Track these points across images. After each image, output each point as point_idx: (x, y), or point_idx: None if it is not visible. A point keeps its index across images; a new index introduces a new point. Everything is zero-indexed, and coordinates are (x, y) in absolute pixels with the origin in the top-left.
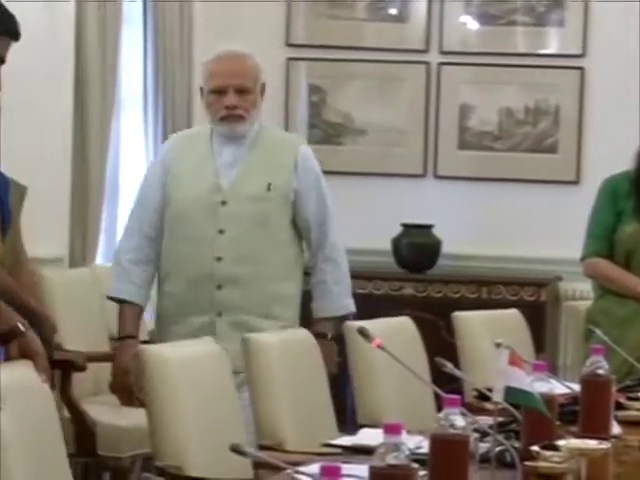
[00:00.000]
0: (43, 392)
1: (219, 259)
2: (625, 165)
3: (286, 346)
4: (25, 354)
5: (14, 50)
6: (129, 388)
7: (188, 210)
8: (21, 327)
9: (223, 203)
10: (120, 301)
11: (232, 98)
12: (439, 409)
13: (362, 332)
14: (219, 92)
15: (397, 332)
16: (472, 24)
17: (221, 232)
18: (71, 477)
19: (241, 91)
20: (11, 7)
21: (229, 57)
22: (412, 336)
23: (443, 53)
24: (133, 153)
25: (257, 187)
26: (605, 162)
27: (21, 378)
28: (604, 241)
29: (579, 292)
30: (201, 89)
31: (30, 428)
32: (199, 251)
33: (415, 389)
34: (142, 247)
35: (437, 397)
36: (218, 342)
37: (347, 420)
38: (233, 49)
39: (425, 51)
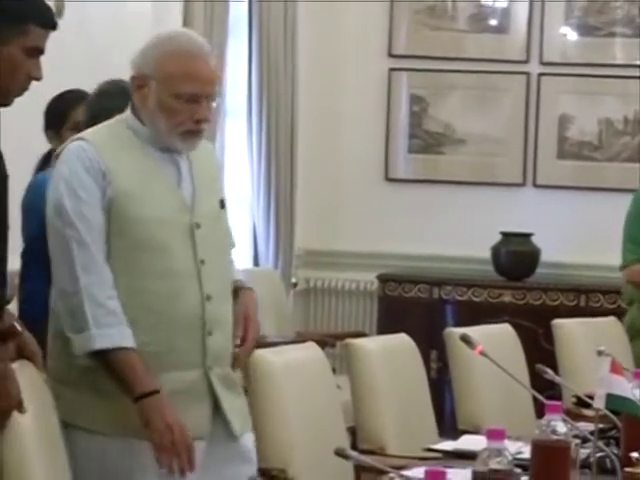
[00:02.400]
0: (45, 391)
1: (208, 298)
2: None
3: (387, 351)
4: (23, 354)
5: (121, 63)
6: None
7: (156, 235)
8: (18, 327)
9: (197, 226)
10: (118, 349)
11: (206, 111)
12: (538, 415)
13: (465, 339)
14: (191, 99)
15: (498, 339)
16: (572, 35)
17: (202, 263)
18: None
19: (209, 100)
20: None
21: (202, 54)
22: (512, 343)
23: (543, 64)
24: (236, 162)
25: (214, 205)
26: None
27: (26, 378)
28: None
29: None
30: (142, 77)
31: (40, 428)
32: (183, 289)
33: (514, 395)
34: (110, 279)
35: (536, 403)
36: (220, 405)
37: (446, 425)
38: (196, 40)
39: (525, 62)
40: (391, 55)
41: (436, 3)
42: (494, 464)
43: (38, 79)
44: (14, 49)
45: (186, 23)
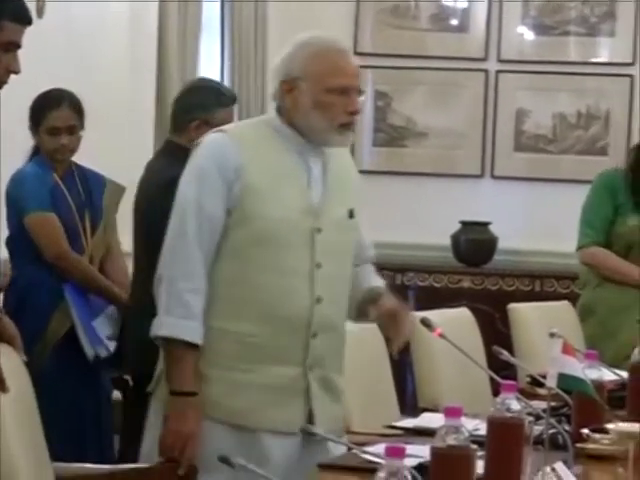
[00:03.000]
0: (24, 374)
1: (319, 300)
2: None
3: (353, 336)
4: (2, 338)
5: (102, 60)
6: (191, 458)
7: (277, 234)
8: None
9: (318, 230)
10: (178, 341)
11: (356, 102)
12: (495, 394)
13: (424, 322)
14: (342, 92)
15: (456, 322)
16: (528, 34)
17: (318, 266)
18: (46, 450)
19: (357, 93)
20: (97, 24)
21: (346, 50)
22: (470, 326)
23: (501, 61)
24: None
25: (342, 213)
26: None
27: (5, 361)
28: (602, 232)
29: None
30: (291, 81)
31: (20, 408)
32: (296, 289)
33: (472, 375)
34: (201, 274)
35: (493, 383)
36: (311, 405)
37: (407, 404)
38: (334, 38)
39: (484, 59)
40: (357, 53)
41: (399, 3)
42: (451, 440)
43: (16, 72)
44: None
45: (161, 22)
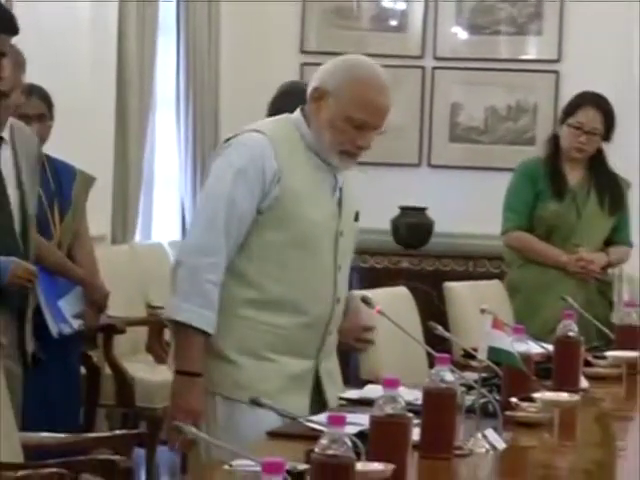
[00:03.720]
0: None
1: (338, 301)
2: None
3: None
4: None
5: (65, 58)
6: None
7: (312, 236)
8: None
9: (341, 234)
10: (190, 327)
11: (369, 139)
12: (431, 366)
13: (365, 300)
14: (359, 126)
15: (395, 300)
16: (462, 34)
17: (339, 268)
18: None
19: (376, 131)
20: (57, 26)
21: (384, 88)
22: (408, 304)
23: (437, 59)
24: (166, 146)
25: (352, 216)
26: None
27: None
28: (525, 216)
29: None
30: (324, 91)
31: None
32: (324, 288)
33: (410, 350)
34: (222, 267)
35: (429, 356)
36: (324, 395)
37: (351, 376)
38: (382, 73)
39: (421, 57)
40: (303, 51)
41: (343, 4)
42: (389, 409)
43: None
44: None
45: (121, 21)
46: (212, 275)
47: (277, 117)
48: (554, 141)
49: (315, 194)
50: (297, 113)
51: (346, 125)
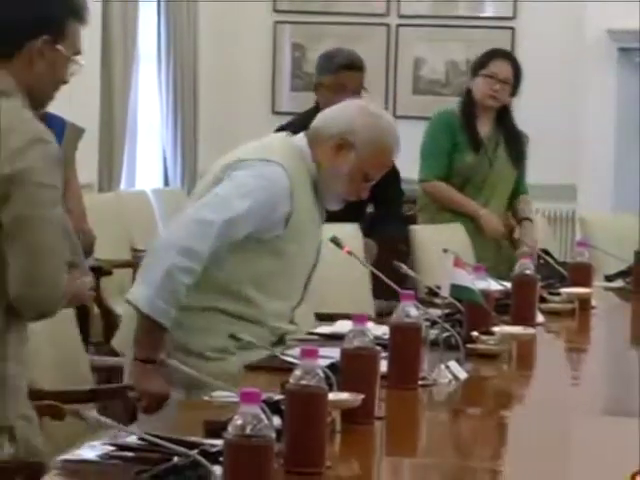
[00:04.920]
0: None
1: (293, 323)
2: (550, 108)
3: None
4: None
5: None
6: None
7: (295, 268)
8: None
9: (314, 266)
10: (153, 320)
11: (367, 190)
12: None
13: (334, 241)
14: (369, 179)
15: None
16: None
17: (302, 301)
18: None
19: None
20: None
21: (397, 147)
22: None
23: (401, 17)
24: (148, 98)
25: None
26: (533, 106)
27: None
28: (444, 166)
29: None
30: (348, 143)
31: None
32: (286, 309)
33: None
34: (198, 274)
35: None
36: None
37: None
38: (397, 133)
39: (386, 15)
40: (275, 10)
41: None
42: (358, 342)
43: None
44: None
45: None
46: (187, 279)
47: (286, 142)
48: (468, 96)
49: (311, 232)
50: (304, 142)
51: (360, 178)
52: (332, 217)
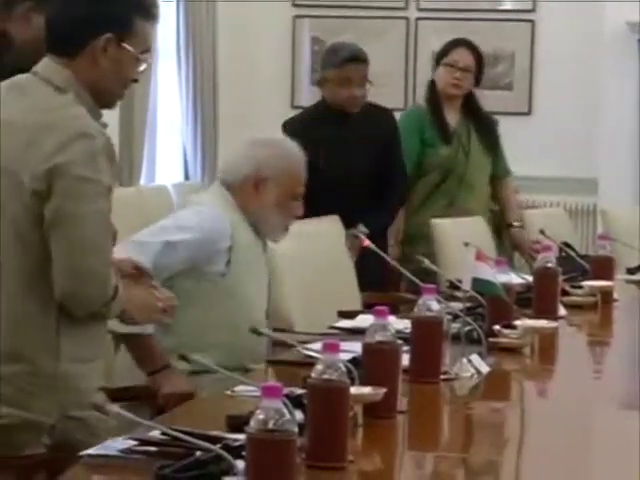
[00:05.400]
0: None
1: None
2: (569, 101)
3: (295, 250)
4: None
5: None
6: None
7: (250, 304)
8: None
9: (269, 293)
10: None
11: (302, 207)
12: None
13: (355, 235)
14: (298, 198)
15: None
16: None
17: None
18: None
19: None
20: None
21: (302, 159)
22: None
23: (420, 10)
24: (168, 93)
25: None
26: (551, 96)
27: None
28: (414, 165)
29: (531, 202)
30: (263, 179)
31: None
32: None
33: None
34: None
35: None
36: None
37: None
38: (291, 142)
39: (405, 8)
40: (295, 5)
41: None
42: (379, 337)
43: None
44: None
45: None
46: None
47: (214, 194)
48: (432, 87)
49: (258, 268)
50: (223, 190)
51: (290, 201)
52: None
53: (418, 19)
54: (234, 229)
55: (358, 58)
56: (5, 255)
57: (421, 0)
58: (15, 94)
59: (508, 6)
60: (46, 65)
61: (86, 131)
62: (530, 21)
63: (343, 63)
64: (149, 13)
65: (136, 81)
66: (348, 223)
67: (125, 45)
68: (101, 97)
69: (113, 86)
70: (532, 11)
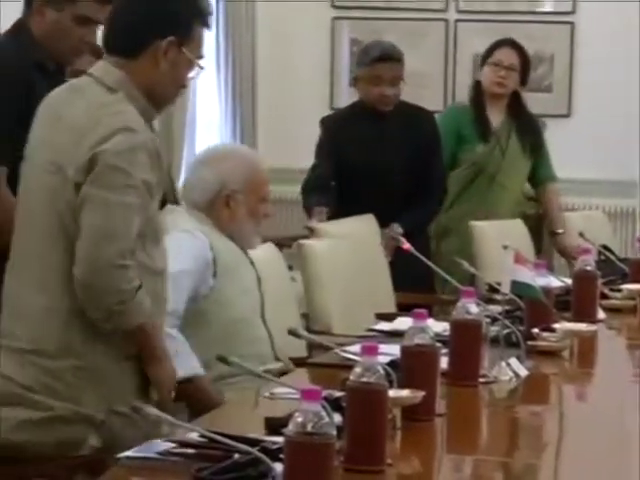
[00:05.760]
0: None
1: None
2: (610, 104)
3: (331, 249)
4: None
5: None
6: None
7: (243, 311)
8: None
9: (262, 300)
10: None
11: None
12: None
13: (395, 238)
14: (261, 202)
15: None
16: None
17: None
18: None
19: None
20: None
21: (260, 162)
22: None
23: (459, 12)
24: (207, 96)
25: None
26: (591, 99)
27: None
28: (447, 160)
29: (570, 204)
30: (232, 193)
31: None
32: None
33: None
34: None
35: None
36: None
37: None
38: (245, 148)
39: (444, 10)
40: (334, 6)
41: None
42: (418, 340)
43: (92, 46)
44: (64, 16)
45: None
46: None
47: (186, 215)
48: (477, 87)
49: (245, 272)
50: (194, 212)
51: (259, 205)
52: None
53: (457, 21)
54: (212, 240)
55: (389, 57)
56: (53, 250)
57: (461, 2)
58: (72, 95)
59: (548, 8)
60: (100, 66)
61: (128, 125)
62: (570, 23)
63: (373, 62)
64: (207, 20)
65: (185, 87)
66: (384, 222)
67: (184, 49)
68: (155, 100)
69: (168, 90)
70: (572, 13)
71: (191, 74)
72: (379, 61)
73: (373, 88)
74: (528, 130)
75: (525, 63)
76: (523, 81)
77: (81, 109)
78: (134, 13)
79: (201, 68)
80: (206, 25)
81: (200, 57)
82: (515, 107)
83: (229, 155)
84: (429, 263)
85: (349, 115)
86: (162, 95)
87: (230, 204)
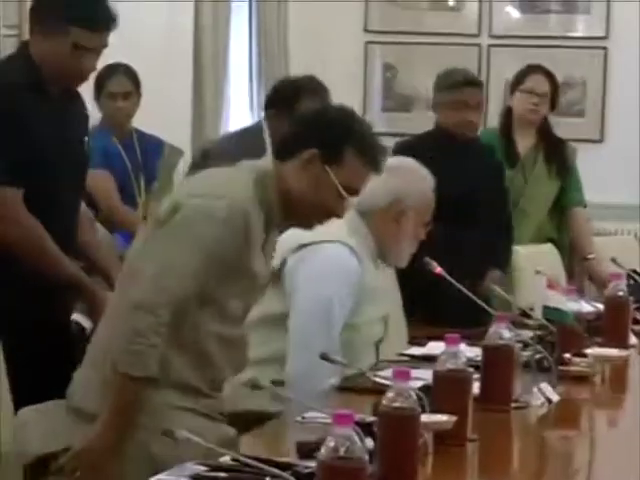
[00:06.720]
0: None
1: None
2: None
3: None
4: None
5: (146, 36)
6: None
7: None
8: None
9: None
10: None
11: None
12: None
13: (427, 263)
14: (424, 227)
15: None
16: (515, 12)
17: None
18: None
19: None
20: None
21: (432, 182)
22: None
23: (492, 37)
24: (240, 115)
25: None
26: (623, 124)
27: None
28: None
29: (602, 229)
30: (406, 208)
31: None
32: None
33: None
34: None
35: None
36: None
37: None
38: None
39: (477, 35)
40: (366, 30)
41: None
42: (450, 365)
43: (90, 71)
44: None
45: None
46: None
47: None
48: (507, 113)
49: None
50: (357, 218)
51: (421, 228)
52: None
53: (490, 46)
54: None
55: (474, 82)
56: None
57: (493, 27)
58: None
59: (580, 33)
60: (265, 160)
61: (226, 195)
62: (603, 48)
63: (458, 86)
64: (367, 154)
65: (331, 215)
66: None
67: (327, 167)
68: (290, 209)
69: (306, 205)
70: (605, 38)
71: (341, 205)
72: (465, 85)
73: (455, 113)
74: (556, 154)
75: (555, 89)
76: (553, 106)
77: None
78: (295, 122)
79: (348, 200)
80: (368, 161)
81: (350, 190)
82: (544, 132)
83: (409, 171)
84: (466, 291)
85: (425, 142)
86: (298, 206)
87: (400, 220)
